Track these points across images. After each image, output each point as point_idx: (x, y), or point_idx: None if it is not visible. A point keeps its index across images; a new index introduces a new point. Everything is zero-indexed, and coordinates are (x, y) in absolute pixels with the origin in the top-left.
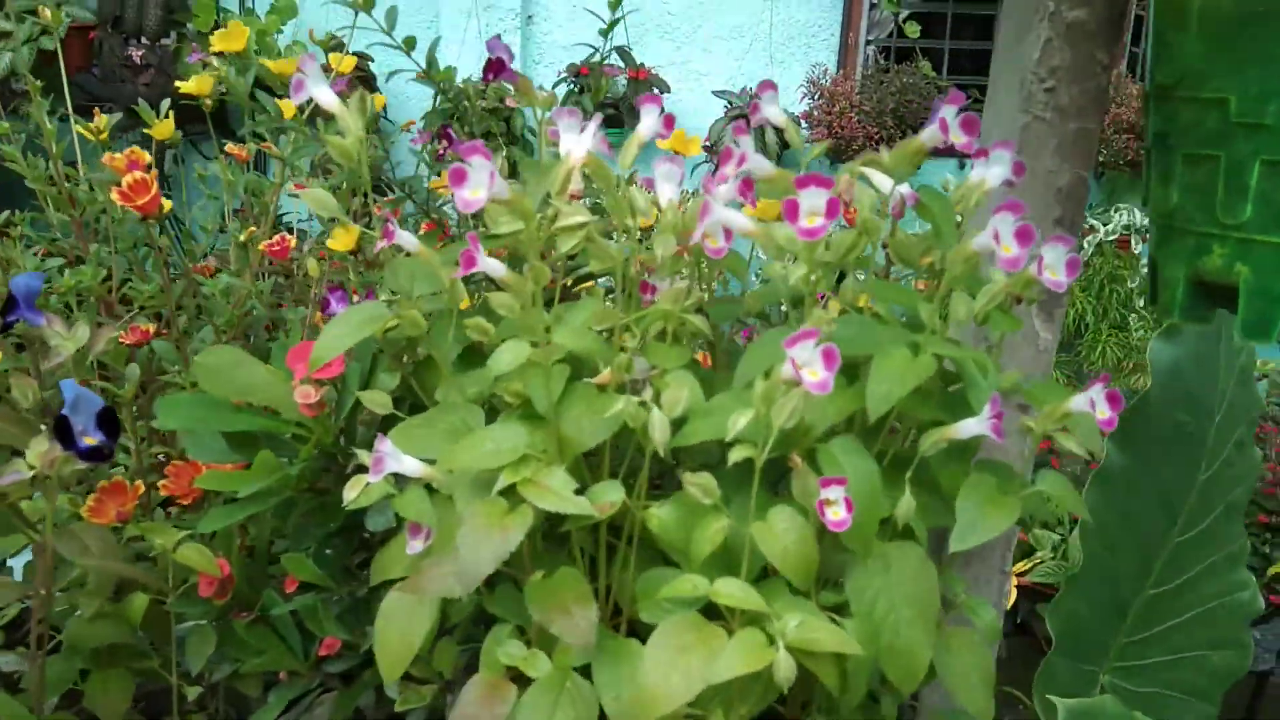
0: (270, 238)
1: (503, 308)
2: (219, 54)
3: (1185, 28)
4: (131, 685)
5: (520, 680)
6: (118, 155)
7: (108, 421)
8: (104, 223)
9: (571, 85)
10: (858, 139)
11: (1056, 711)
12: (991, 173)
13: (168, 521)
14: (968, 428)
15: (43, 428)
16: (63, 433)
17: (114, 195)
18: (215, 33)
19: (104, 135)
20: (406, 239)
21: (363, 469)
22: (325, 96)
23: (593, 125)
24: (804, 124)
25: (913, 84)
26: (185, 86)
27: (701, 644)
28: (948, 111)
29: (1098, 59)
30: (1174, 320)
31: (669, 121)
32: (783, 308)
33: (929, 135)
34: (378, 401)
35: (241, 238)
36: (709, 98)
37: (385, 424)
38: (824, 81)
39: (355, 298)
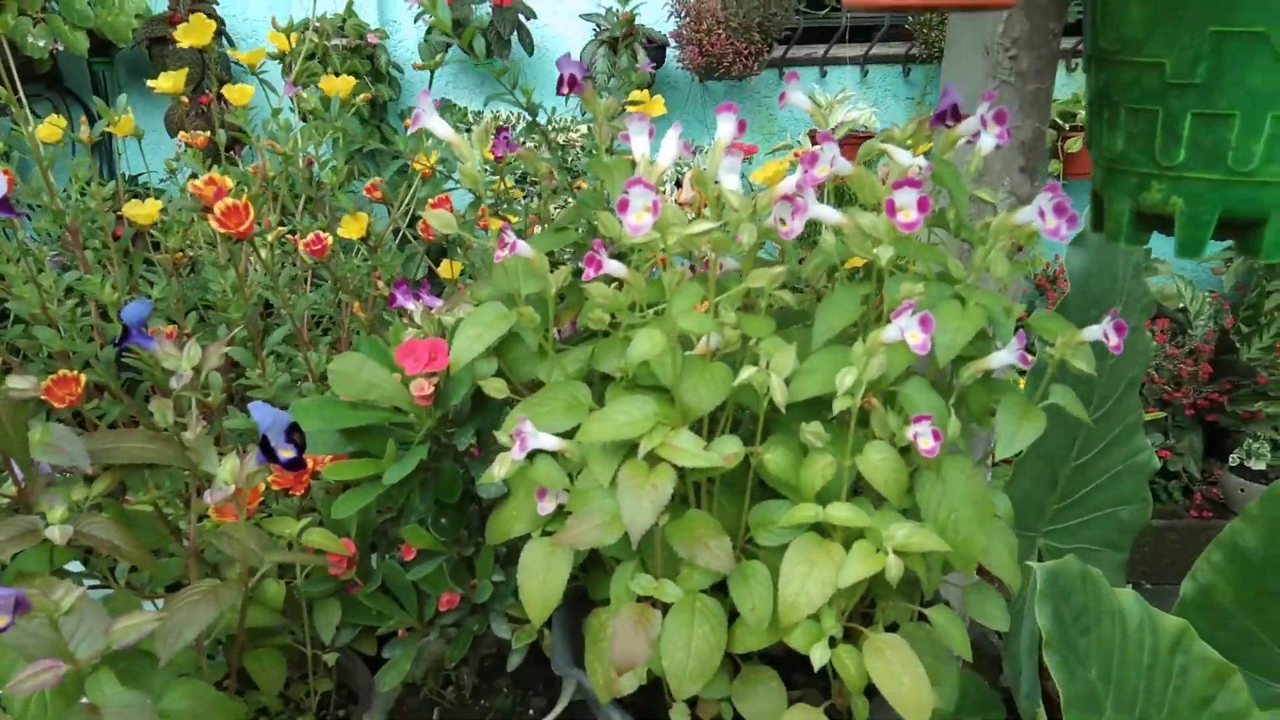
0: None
1: (602, 297)
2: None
3: (1126, 3)
4: (283, 660)
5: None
6: (201, 182)
7: (295, 435)
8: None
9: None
10: (727, 56)
11: (1024, 577)
12: (985, 141)
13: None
14: (999, 359)
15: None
16: (267, 450)
17: (212, 222)
18: None
19: None
20: (523, 247)
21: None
22: (441, 129)
23: (674, 133)
24: (673, 43)
25: None
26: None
27: (826, 558)
28: (983, 108)
29: (1050, 29)
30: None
31: (742, 126)
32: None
33: (967, 126)
34: (495, 388)
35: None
36: (576, 21)
37: (475, 408)
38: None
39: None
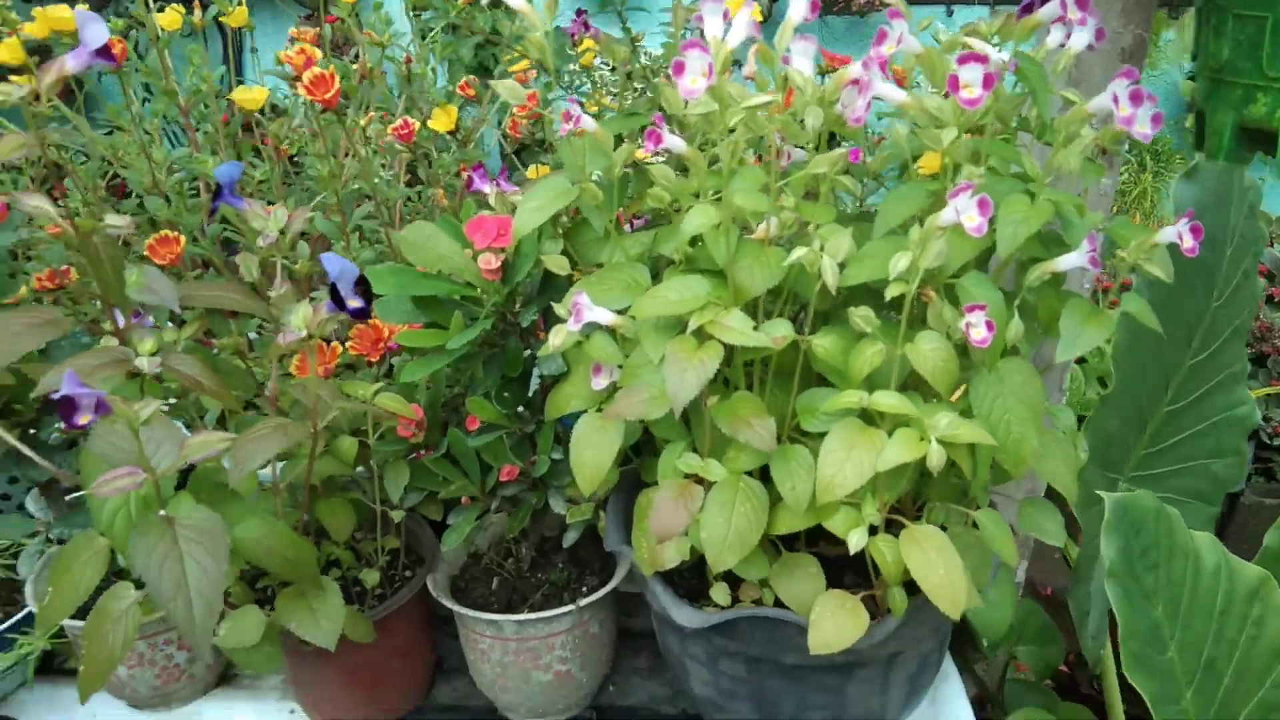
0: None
1: (664, 178)
2: None
3: None
4: (353, 512)
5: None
6: (292, 52)
7: (363, 287)
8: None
9: None
10: None
11: (1097, 506)
12: (1077, 39)
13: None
14: (1068, 260)
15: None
16: (336, 298)
17: (301, 90)
18: None
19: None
20: (588, 121)
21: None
22: None
23: (745, 12)
24: None
25: None
26: None
27: (866, 442)
28: None
29: None
30: (1218, 162)
31: (815, 6)
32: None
33: (1047, 12)
34: (558, 264)
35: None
36: None
37: (542, 288)
38: None
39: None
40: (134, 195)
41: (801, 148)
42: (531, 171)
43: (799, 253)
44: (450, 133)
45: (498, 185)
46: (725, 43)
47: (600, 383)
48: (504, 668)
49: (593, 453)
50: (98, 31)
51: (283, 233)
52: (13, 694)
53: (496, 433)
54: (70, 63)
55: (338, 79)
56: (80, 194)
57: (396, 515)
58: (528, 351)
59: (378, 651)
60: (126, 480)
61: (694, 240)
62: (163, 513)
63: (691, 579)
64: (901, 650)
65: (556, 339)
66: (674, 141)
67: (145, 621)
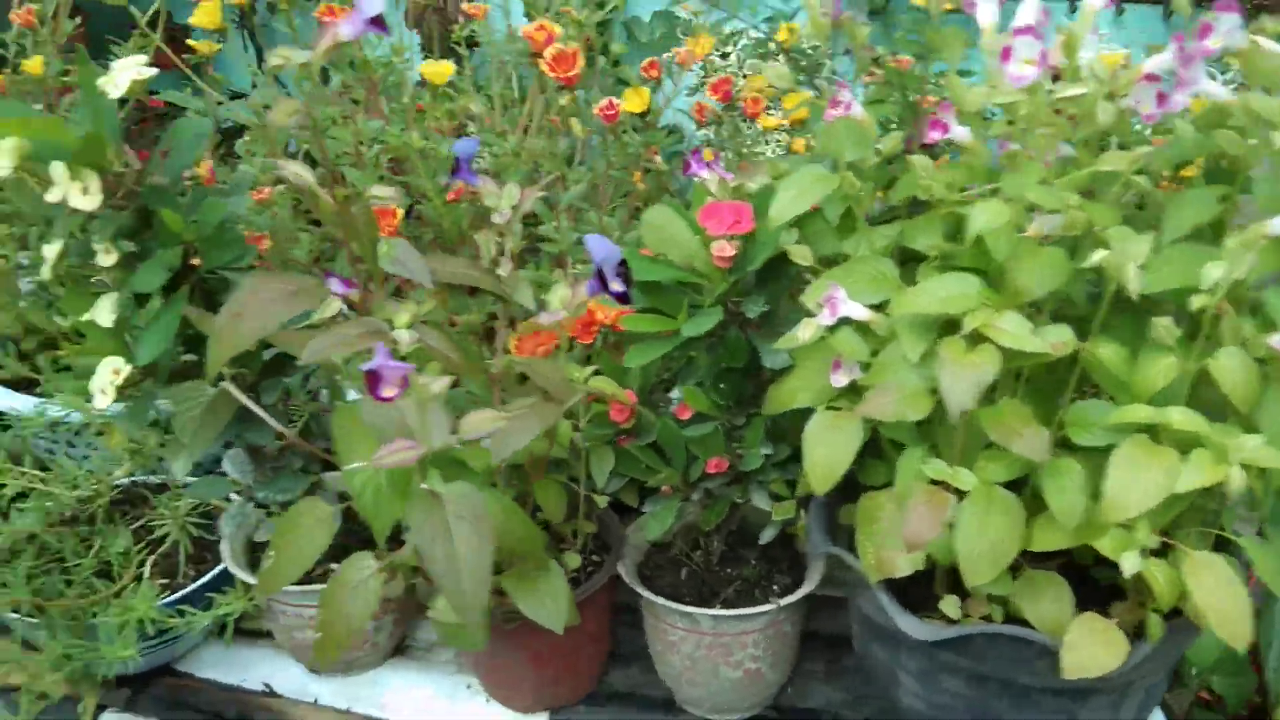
0: None
1: (924, 170)
2: None
3: None
4: (564, 493)
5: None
6: (532, 28)
7: (624, 270)
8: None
9: None
10: None
11: None
12: None
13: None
14: None
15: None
16: (601, 280)
17: (543, 67)
18: None
19: None
20: (857, 109)
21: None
22: None
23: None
24: None
25: None
26: None
27: (1157, 462)
28: None
29: None
30: None
31: None
32: None
33: None
34: (801, 255)
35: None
36: None
37: (766, 278)
38: None
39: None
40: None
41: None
42: (707, 154)
43: (1099, 255)
44: (640, 114)
45: (712, 169)
46: (990, 27)
47: (841, 379)
48: (694, 661)
49: (827, 451)
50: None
51: (514, 209)
52: (190, 652)
53: (711, 424)
54: (345, 30)
55: (581, 57)
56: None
57: (601, 500)
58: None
59: (566, 634)
60: (408, 454)
61: (952, 235)
62: (424, 486)
63: (911, 586)
64: (1136, 679)
65: (806, 332)
66: (960, 132)
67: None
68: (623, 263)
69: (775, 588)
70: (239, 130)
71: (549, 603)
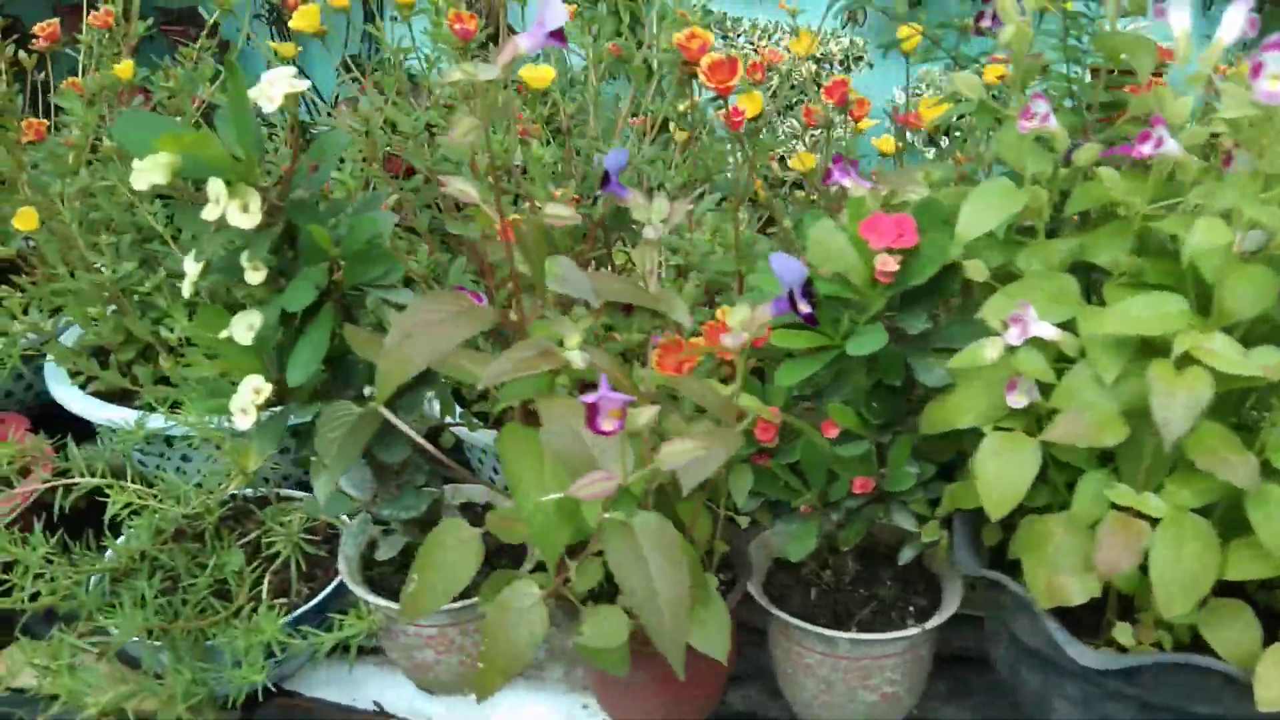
0: None
1: (1111, 181)
2: None
3: None
4: (709, 515)
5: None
6: (682, 34)
7: (811, 290)
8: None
9: None
10: None
11: None
12: None
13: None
14: None
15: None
16: (791, 301)
17: (702, 76)
18: None
19: None
20: (1053, 121)
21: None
22: None
23: (1242, 5)
24: None
25: None
26: None
27: None
28: None
29: None
30: None
31: None
32: None
33: None
34: (976, 270)
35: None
36: None
37: (923, 293)
38: None
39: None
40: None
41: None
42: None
43: None
44: (752, 119)
45: (852, 176)
46: (1219, 39)
47: (1018, 400)
48: (829, 685)
49: (1004, 474)
50: (558, 12)
51: (664, 223)
52: (298, 671)
53: (861, 442)
54: (524, 43)
55: (740, 65)
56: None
57: (742, 521)
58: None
59: (693, 654)
60: (605, 485)
61: (1140, 249)
62: (607, 515)
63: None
64: None
65: (992, 351)
66: (1172, 145)
67: (457, 608)
68: (808, 282)
69: (910, 609)
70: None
71: (714, 632)
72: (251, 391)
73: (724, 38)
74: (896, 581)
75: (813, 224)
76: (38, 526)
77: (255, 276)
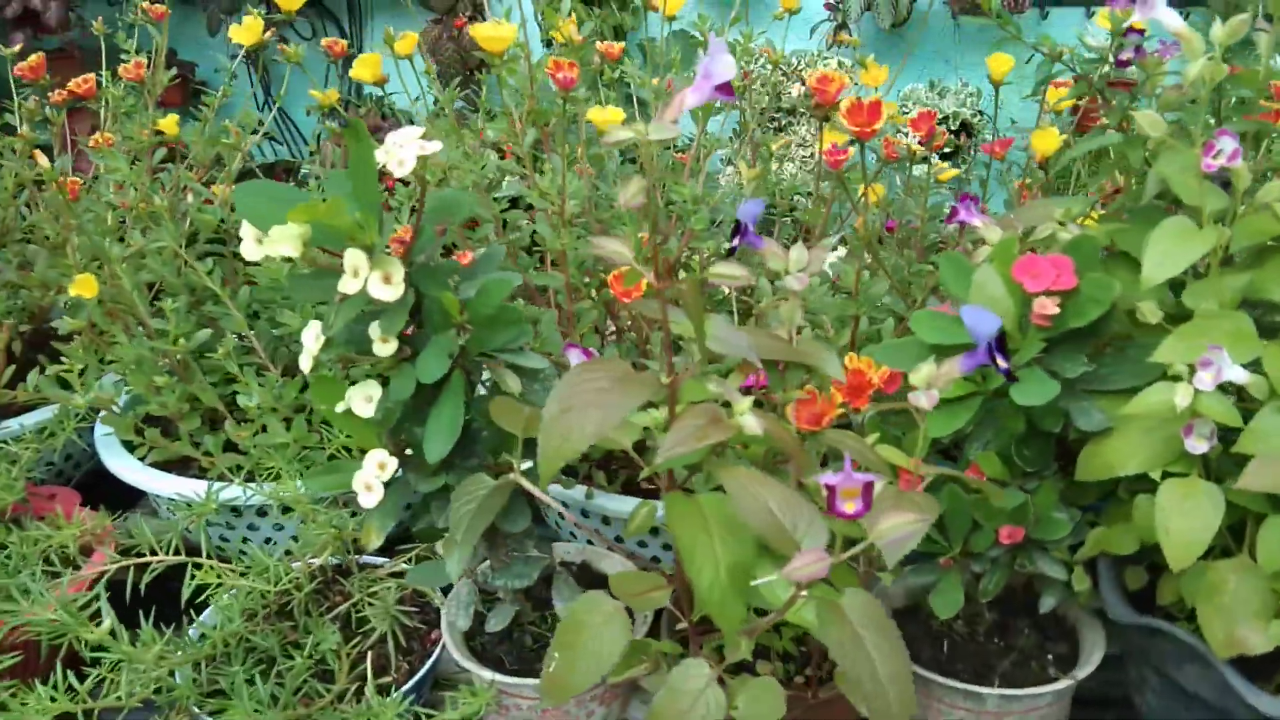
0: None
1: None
2: None
3: None
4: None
5: None
6: (814, 79)
7: (1002, 342)
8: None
9: None
10: None
11: None
12: None
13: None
14: None
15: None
16: (991, 355)
17: (842, 119)
18: None
19: None
20: (1238, 160)
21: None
22: (1173, 20)
23: None
24: None
25: None
26: None
27: None
28: None
29: None
30: None
31: None
32: None
33: None
34: (1149, 312)
35: None
36: None
37: (1074, 340)
38: None
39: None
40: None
41: None
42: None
43: None
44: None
45: (976, 215)
46: None
47: (1197, 445)
48: None
49: (1186, 524)
50: (727, 65)
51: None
52: None
53: (1018, 492)
54: (691, 98)
55: (884, 109)
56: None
57: (887, 579)
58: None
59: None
60: (819, 565)
61: None
62: (805, 592)
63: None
64: None
65: (1182, 398)
66: None
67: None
68: (1002, 334)
69: (1050, 657)
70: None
71: (895, 699)
72: (376, 467)
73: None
74: (1033, 630)
75: (949, 265)
76: (102, 607)
77: (384, 349)
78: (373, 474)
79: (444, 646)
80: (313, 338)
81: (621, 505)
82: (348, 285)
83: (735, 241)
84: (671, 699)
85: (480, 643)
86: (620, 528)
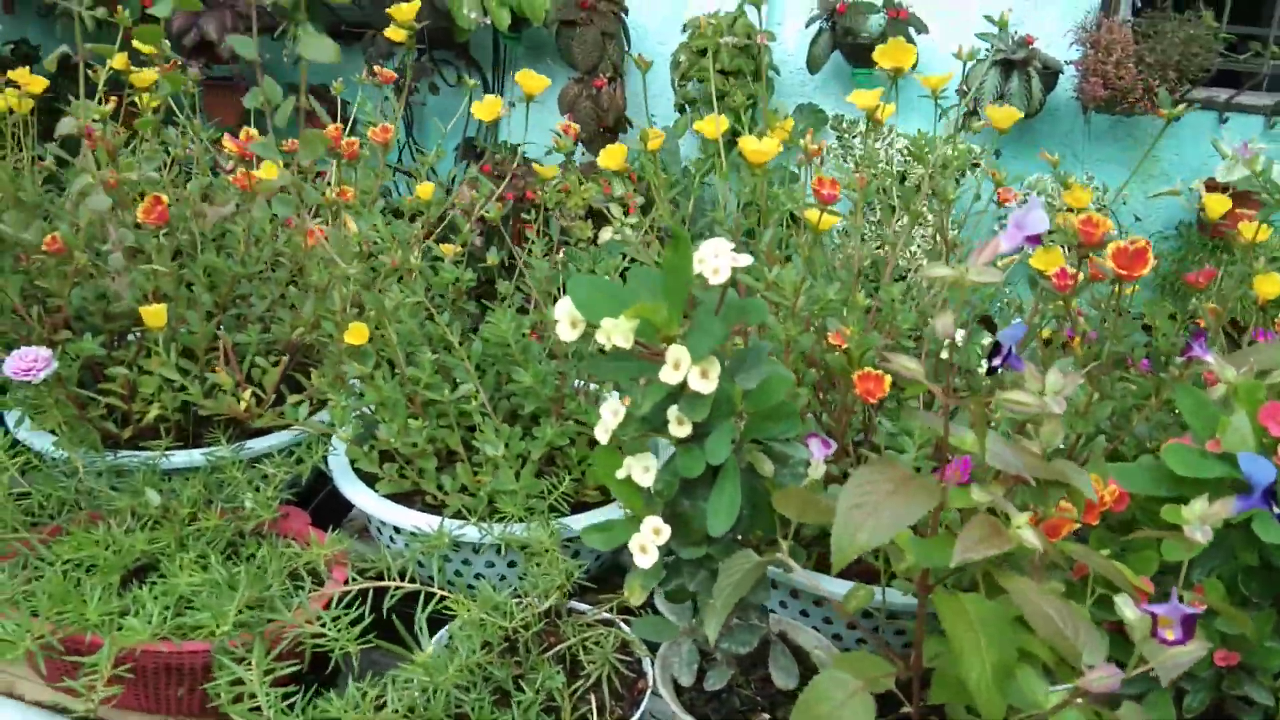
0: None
1: None
2: None
3: None
4: None
5: None
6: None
7: (1272, 491)
8: None
9: (824, 24)
10: (1135, 90)
11: None
12: None
13: None
14: None
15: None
16: (1269, 501)
17: (1109, 263)
18: None
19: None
20: None
21: None
22: None
23: None
24: (1072, 70)
25: (1196, 35)
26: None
27: None
28: None
29: None
30: None
31: None
32: None
33: None
34: None
35: None
36: (970, 39)
37: None
38: (1092, 28)
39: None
40: None
41: None
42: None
43: None
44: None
45: (1197, 352)
46: None
47: None
48: None
49: None
50: (1040, 220)
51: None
52: None
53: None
54: (1005, 244)
55: (1145, 253)
56: None
57: None
58: None
59: None
60: (1112, 680)
61: None
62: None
63: None
64: None
65: None
66: None
67: None
68: (1276, 481)
69: None
70: None
71: None
72: (652, 531)
73: (839, 138)
74: None
75: (1188, 399)
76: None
77: (680, 430)
78: (649, 538)
79: (649, 695)
80: (611, 414)
81: (834, 587)
82: (669, 375)
83: (996, 362)
84: None
85: (689, 698)
86: (806, 601)
